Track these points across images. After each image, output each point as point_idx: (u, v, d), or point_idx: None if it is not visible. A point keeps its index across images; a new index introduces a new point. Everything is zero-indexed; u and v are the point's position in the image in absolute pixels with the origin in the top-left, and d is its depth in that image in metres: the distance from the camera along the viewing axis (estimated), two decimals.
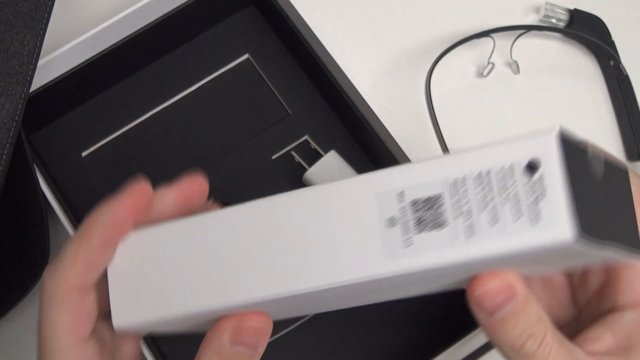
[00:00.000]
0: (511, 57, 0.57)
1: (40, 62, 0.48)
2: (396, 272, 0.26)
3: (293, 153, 0.53)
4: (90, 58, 0.52)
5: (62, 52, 0.50)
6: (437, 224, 0.26)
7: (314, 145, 0.53)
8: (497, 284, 0.27)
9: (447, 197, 0.26)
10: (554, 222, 0.24)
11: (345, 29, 0.58)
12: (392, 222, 0.27)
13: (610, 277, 0.31)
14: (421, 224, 0.26)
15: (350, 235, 0.27)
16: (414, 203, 0.26)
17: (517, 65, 0.57)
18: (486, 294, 0.27)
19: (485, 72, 0.57)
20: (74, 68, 0.52)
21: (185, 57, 0.56)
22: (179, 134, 0.54)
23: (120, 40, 0.53)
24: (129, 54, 0.54)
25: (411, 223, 0.26)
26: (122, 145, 0.54)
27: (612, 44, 0.57)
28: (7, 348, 0.50)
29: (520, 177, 0.25)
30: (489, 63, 0.57)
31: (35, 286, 0.46)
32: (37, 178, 0.47)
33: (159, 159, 0.54)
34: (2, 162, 0.45)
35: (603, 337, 0.30)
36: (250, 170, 0.53)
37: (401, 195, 0.27)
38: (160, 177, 0.53)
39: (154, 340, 0.48)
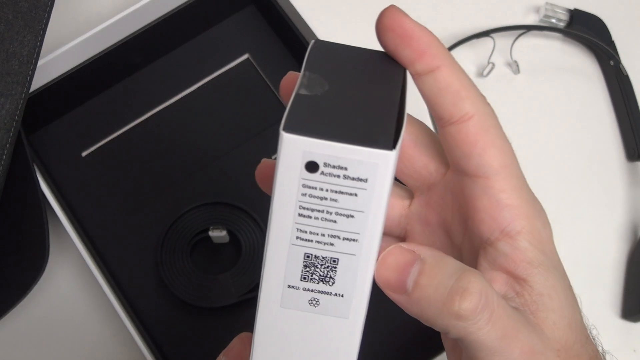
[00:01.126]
0: (511, 57, 0.57)
1: (40, 62, 0.48)
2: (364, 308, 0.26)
3: None
4: (90, 58, 0.52)
5: (62, 52, 0.50)
6: (331, 273, 0.25)
7: None
8: (389, 250, 0.25)
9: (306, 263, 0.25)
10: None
11: (345, 29, 0.58)
12: (315, 302, 0.26)
13: (468, 211, 0.28)
14: (326, 279, 0.25)
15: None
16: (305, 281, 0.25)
17: (517, 65, 0.57)
18: (383, 263, 0.25)
19: (485, 72, 0.57)
20: (74, 68, 0.52)
21: (185, 57, 0.56)
22: (178, 134, 0.54)
23: (120, 40, 0.53)
24: (129, 54, 0.54)
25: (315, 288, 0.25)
26: (122, 145, 0.54)
27: (612, 44, 0.57)
28: (7, 348, 0.50)
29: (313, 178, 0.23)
30: (489, 63, 0.57)
31: (35, 286, 0.46)
32: (37, 178, 0.47)
33: (158, 159, 0.54)
34: (2, 162, 0.45)
35: (498, 278, 0.27)
36: (250, 170, 0.53)
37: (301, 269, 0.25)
38: (160, 177, 0.54)
39: (154, 340, 0.48)
